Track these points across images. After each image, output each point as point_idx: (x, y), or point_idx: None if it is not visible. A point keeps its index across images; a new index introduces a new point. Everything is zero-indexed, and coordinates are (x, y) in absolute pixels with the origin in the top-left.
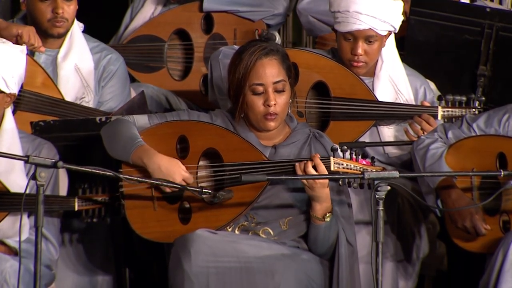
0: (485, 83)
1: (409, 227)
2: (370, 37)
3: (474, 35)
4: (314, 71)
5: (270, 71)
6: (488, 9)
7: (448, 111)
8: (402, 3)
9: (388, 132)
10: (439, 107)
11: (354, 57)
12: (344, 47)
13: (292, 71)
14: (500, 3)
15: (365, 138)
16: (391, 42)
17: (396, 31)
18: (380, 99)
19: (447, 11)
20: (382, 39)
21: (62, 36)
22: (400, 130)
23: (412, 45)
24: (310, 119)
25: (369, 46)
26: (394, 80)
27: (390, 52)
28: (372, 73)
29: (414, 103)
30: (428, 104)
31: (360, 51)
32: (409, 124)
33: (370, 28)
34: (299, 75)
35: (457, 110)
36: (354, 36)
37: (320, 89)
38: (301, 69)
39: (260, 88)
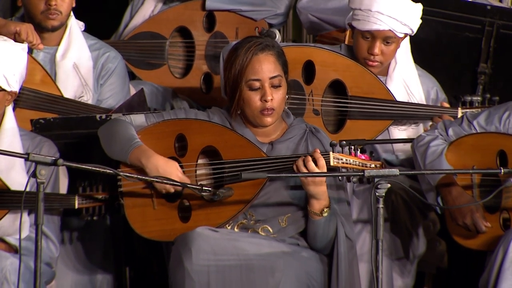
0: (486, 81)
1: (405, 225)
2: (388, 38)
3: (475, 33)
4: (331, 69)
5: (267, 67)
6: (488, 7)
7: (467, 111)
8: (421, 6)
9: (398, 134)
10: (459, 108)
11: (370, 56)
12: (361, 45)
13: (288, 67)
14: (500, 0)
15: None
16: (405, 44)
17: (412, 34)
18: None
19: (447, 9)
20: (399, 40)
21: (56, 29)
22: (411, 132)
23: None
24: (326, 117)
25: (386, 46)
26: (406, 82)
27: (404, 54)
28: (385, 72)
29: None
30: (447, 105)
31: (377, 51)
32: (430, 126)
33: (390, 30)
34: (316, 73)
35: (475, 110)
36: (372, 36)
37: (337, 88)
38: (318, 67)
39: (257, 84)
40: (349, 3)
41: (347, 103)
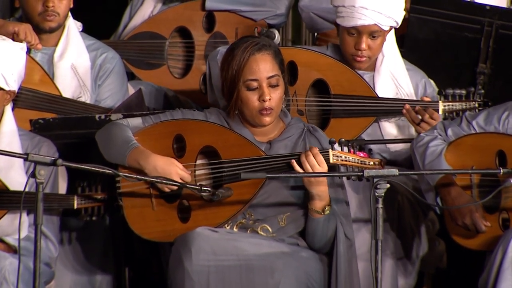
0: (485, 81)
1: (409, 225)
2: (374, 32)
3: (474, 33)
4: (313, 69)
5: (264, 66)
6: (487, 7)
7: (448, 105)
8: None
9: (389, 127)
10: (440, 101)
11: (358, 52)
12: (347, 41)
13: (285, 66)
14: None
15: (367, 133)
16: (391, 37)
17: (398, 26)
18: (380, 94)
19: (447, 9)
20: (384, 33)
21: (54, 31)
22: (401, 124)
23: (412, 43)
24: (310, 117)
25: (372, 41)
26: (394, 75)
27: (390, 47)
28: (372, 67)
29: (414, 97)
30: (428, 99)
31: (364, 46)
32: (411, 110)
33: (375, 24)
34: (298, 74)
35: (457, 104)
36: (358, 31)
37: (320, 87)
38: (300, 67)
39: (254, 84)
40: (331, 1)
41: (330, 101)
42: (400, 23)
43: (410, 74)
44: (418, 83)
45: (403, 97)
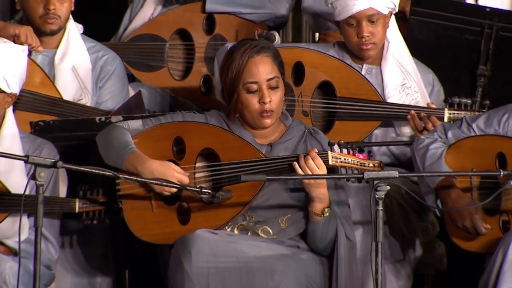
0: (485, 83)
1: (399, 228)
2: (372, 17)
3: (474, 35)
4: (320, 71)
5: (263, 69)
6: (488, 9)
7: (454, 113)
8: None
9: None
10: (446, 109)
11: (362, 40)
12: (349, 33)
13: (284, 68)
14: None
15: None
16: (393, 23)
17: (396, 10)
18: (389, 82)
19: (447, 11)
20: (385, 19)
21: (55, 33)
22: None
23: (412, 45)
24: (315, 118)
25: (373, 27)
26: (400, 61)
27: (393, 34)
28: (379, 61)
29: (422, 85)
30: (434, 106)
31: (365, 32)
32: (416, 116)
33: (370, 7)
34: (305, 75)
35: (463, 112)
36: (356, 19)
37: (326, 89)
38: (307, 68)
39: (254, 86)
40: (326, 2)
41: (335, 104)
42: (397, 5)
43: (418, 69)
44: (427, 79)
45: (411, 83)
